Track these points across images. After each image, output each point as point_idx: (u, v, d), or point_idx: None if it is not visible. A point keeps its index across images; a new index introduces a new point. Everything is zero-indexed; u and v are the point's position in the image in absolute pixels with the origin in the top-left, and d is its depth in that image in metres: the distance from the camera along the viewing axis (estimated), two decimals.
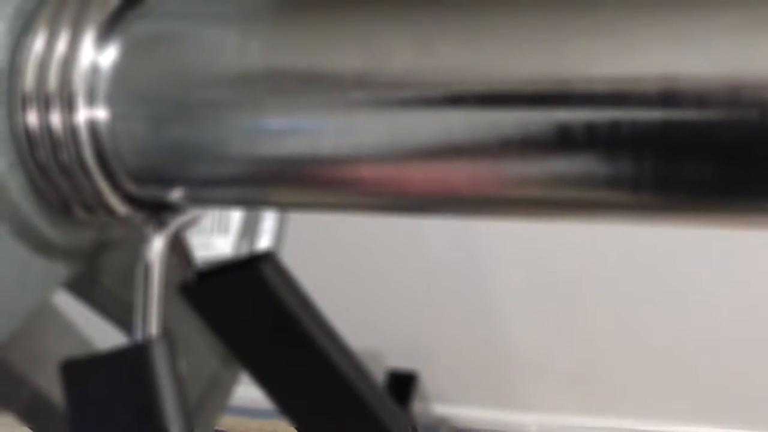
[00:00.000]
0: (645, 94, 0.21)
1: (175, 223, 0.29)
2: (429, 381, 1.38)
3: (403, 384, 1.37)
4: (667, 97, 0.21)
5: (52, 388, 0.39)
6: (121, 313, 0.35)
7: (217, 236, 0.41)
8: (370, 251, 1.29)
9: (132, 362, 0.28)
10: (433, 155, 0.24)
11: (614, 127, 0.22)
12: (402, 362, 1.38)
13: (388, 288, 1.33)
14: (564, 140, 0.22)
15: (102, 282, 0.33)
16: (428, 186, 0.25)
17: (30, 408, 0.39)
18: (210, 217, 0.41)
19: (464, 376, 1.38)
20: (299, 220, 0.43)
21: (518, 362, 1.34)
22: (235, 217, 0.41)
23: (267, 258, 0.34)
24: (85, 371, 0.29)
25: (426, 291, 1.31)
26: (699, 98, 0.21)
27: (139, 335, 0.29)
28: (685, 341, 1.23)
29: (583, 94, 0.22)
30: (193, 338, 0.39)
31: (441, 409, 1.41)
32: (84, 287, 0.34)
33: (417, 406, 1.36)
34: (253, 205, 0.31)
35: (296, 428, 0.37)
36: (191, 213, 0.30)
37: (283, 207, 0.31)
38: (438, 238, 1.25)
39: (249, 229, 0.42)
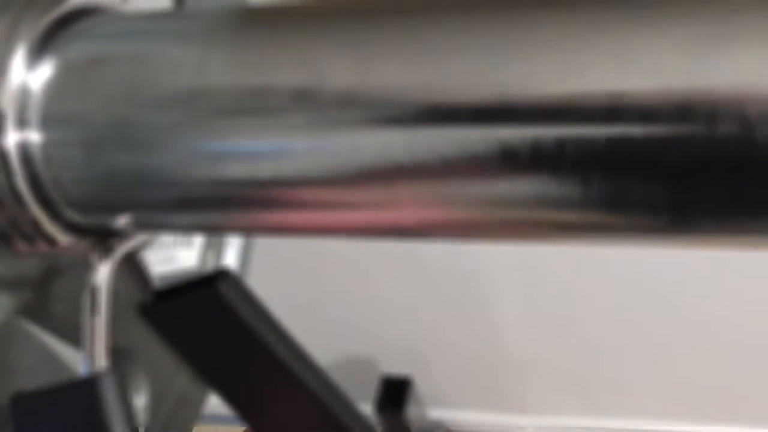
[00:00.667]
0: (590, 111, 0.20)
1: (122, 249, 0.28)
2: (424, 386, 1.38)
3: (397, 389, 1.36)
4: (613, 113, 0.20)
5: None
6: (77, 336, 0.35)
7: (180, 249, 0.40)
8: (365, 257, 1.28)
9: (80, 395, 0.27)
10: (375, 177, 0.23)
11: (560, 145, 0.21)
12: (396, 368, 1.37)
13: (382, 293, 1.32)
14: (508, 159, 0.21)
15: (54, 308, 0.33)
16: (372, 209, 0.24)
17: None
18: None
19: (459, 379, 1.37)
20: None
21: (513, 365, 1.33)
22: None
23: (224, 276, 0.33)
24: (34, 405, 0.28)
25: (419, 296, 1.30)
26: (644, 114, 0.20)
27: (86, 368, 0.28)
28: (680, 342, 1.23)
29: (527, 111, 0.21)
30: (160, 357, 0.38)
31: (436, 413, 1.40)
32: (36, 314, 0.33)
33: (412, 411, 1.36)
34: (201, 230, 0.30)
35: None
36: (139, 238, 0.29)
37: (232, 231, 0.30)
38: (431, 242, 1.24)
39: (214, 241, 0.41)
